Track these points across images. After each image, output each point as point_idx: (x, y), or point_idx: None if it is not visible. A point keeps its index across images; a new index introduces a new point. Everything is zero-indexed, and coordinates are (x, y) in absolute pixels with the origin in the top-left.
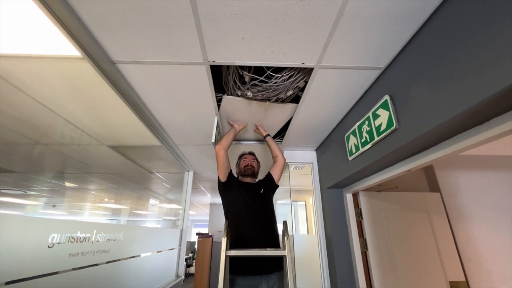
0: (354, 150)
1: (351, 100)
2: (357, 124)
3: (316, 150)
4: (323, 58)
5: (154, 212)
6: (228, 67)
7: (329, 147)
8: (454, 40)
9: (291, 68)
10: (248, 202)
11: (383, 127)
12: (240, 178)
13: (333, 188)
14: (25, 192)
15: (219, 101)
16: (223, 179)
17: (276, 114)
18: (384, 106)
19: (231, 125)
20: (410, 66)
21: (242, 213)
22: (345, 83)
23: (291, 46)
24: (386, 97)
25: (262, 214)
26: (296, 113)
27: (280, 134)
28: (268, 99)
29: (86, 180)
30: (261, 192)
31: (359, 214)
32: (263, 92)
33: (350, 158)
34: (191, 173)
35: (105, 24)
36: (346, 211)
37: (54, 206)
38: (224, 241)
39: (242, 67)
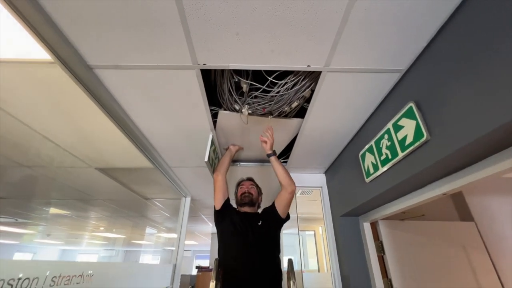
0: (372, 170)
1: (365, 110)
2: (375, 139)
3: (326, 172)
4: (332, 59)
5: (152, 242)
6: (222, 72)
7: (341, 168)
8: (503, 21)
9: (295, 74)
10: (243, 237)
11: (409, 139)
12: (238, 208)
13: (347, 216)
14: (16, 220)
15: (215, 116)
16: (218, 207)
17: (280, 132)
18: (409, 114)
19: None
20: (441, 64)
21: (233, 250)
22: (358, 90)
23: (294, 44)
24: (411, 104)
25: (259, 253)
26: (301, 129)
27: (285, 154)
28: (270, 113)
29: (78, 207)
30: (259, 224)
31: (380, 248)
32: (264, 105)
33: (367, 180)
34: (188, 199)
35: (78, 21)
36: (364, 244)
37: (48, 235)
38: (211, 287)
39: (239, 73)
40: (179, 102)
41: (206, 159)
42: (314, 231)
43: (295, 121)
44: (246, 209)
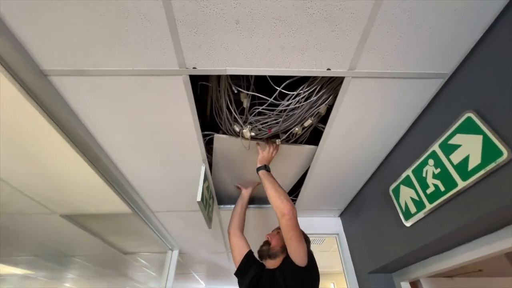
0: (413, 209)
1: (397, 129)
2: (413, 167)
3: (342, 215)
4: (359, 61)
5: None
6: (218, 81)
7: (363, 208)
8: None
9: (311, 82)
10: None
11: (475, 161)
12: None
13: (377, 273)
14: None
15: (209, 142)
16: (235, 269)
17: (288, 163)
18: (467, 128)
19: (238, 188)
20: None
21: None
22: (389, 102)
23: (310, 38)
24: (468, 114)
25: None
26: (315, 158)
27: (294, 193)
28: (277, 136)
29: (41, 266)
30: (275, 280)
31: None
32: (269, 125)
33: (407, 223)
34: (175, 252)
35: (26, 9)
36: None
37: None
38: None
39: (238, 81)
40: (162, 122)
41: (198, 199)
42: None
43: (308, 148)
44: (268, 263)
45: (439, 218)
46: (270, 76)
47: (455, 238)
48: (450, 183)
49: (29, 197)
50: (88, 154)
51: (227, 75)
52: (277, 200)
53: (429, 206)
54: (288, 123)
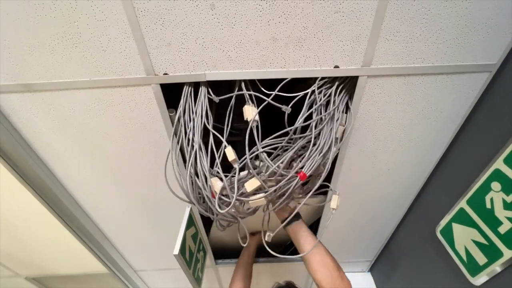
0: (483, 259)
1: (435, 145)
2: (468, 195)
3: (373, 269)
4: (375, 53)
5: None
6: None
7: (401, 258)
8: None
9: (309, 84)
10: None
11: None
12: None
13: None
14: None
15: None
16: None
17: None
18: None
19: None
20: None
21: None
22: (420, 107)
23: (308, 24)
24: None
25: None
26: (328, 197)
27: None
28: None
29: None
30: None
31: None
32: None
33: (476, 281)
34: None
35: None
36: None
37: None
38: None
39: (219, 92)
40: (132, 149)
41: (176, 252)
42: None
43: (317, 200)
44: None
45: None
46: (261, 82)
47: None
48: None
49: None
50: (49, 198)
51: (206, 84)
52: (328, 274)
53: (509, 254)
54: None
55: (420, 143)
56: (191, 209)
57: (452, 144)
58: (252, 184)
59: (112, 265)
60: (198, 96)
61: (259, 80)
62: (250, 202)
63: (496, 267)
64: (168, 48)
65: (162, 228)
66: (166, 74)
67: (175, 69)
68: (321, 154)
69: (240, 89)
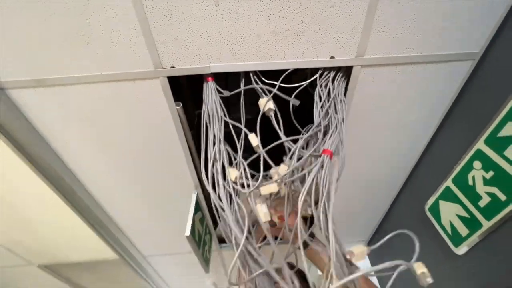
0: (465, 231)
1: (424, 129)
2: (453, 174)
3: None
4: (368, 44)
5: None
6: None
7: (394, 237)
8: None
9: (304, 74)
10: None
11: None
12: None
13: None
14: None
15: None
16: None
17: None
18: None
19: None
20: None
21: None
22: (410, 95)
23: (305, 18)
24: None
25: None
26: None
27: None
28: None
29: None
30: None
31: None
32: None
33: (459, 251)
34: None
35: None
36: None
37: None
38: None
39: (226, 83)
40: (142, 141)
41: (187, 233)
42: None
43: None
44: None
45: (507, 239)
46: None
47: None
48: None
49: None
50: (61, 187)
51: (212, 76)
52: None
53: (487, 224)
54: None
55: (410, 128)
56: (197, 195)
57: (440, 128)
58: (281, 170)
59: (122, 251)
60: (210, 91)
61: (262, 73)
62: (261, 188)
63: (476, 238)
64: (175, 43)
65: (170, 216)
66: (173, 67)
67: (181, 63)
68: (336, 132)
69: (248, 83)
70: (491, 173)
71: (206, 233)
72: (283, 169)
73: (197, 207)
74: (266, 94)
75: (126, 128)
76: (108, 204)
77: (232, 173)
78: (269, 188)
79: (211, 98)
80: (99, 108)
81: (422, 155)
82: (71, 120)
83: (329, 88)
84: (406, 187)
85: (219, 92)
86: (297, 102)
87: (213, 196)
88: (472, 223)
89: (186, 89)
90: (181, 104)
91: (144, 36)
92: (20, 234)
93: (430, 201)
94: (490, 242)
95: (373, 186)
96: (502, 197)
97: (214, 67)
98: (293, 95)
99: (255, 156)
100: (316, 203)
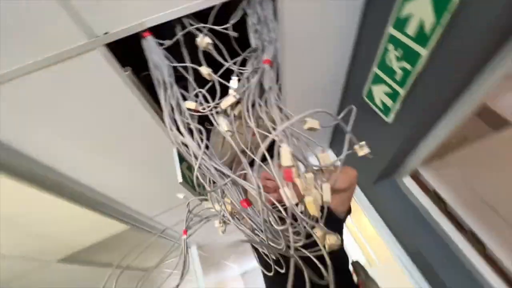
0: (389, 102)
1: (348, 34)
2: (377, 61)
3: (331, 145)
4: None
5: None
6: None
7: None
8: None
9: None
10: None
11: (429, 22)
12: None
13: (380, 180)
14: None
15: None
16: None
17: None
18: None
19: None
20: None
21: None
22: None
23: None
24: None
25: None
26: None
27: None
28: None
29: None
30: None
31: (438, 201)
32: None
33: (389, 119)
34: (193, 249)
35: None
36: (417, 205)
37: None
38: None
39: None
40: (105, 114)
41: (180, 179)
42: None
43: None
44: None
45: (417, 98)
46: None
47: (436, 112)
48: (414, 57)
49: (15, 256)
50: (49, 185)
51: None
52: None
53: (403, 92)
54: None
55: (338, 33)
56: (177, 149)
57: (361, 31)
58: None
59: (131, 220)
60: (150, 46)
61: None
62: (221, 104)
63: (397, 106)
64: (98, 6)
65: (161, 176)
66: (107, 33)
67: (114, 25)
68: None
69: (184, 29)
70: (400, 50)
71: (196, 176)
72: (234, 82)
73: (181, 159)
74: (201, 32)
75: (87, 108)
76: (101, 187)
77: (190, 105)
78: (228, 100)
79: (154, 52)
80: (51, 96)
81: (353, 55)
82: (28, 115)
83: (258, 12)
84: (347, 88)
85: (160, 44)
86: (235, 34)
87: (170, 134)
88: (394, 95)
89: (136, 55)
90: (130, 69)
91: (63, 6)
92: (28, 240)
93: (366, 89)
94: (407, 105)
95: (320, 92)
96: (409, 67)
97: (148, 21)
98: (230, 24)
99: (210, 84)
100: None
